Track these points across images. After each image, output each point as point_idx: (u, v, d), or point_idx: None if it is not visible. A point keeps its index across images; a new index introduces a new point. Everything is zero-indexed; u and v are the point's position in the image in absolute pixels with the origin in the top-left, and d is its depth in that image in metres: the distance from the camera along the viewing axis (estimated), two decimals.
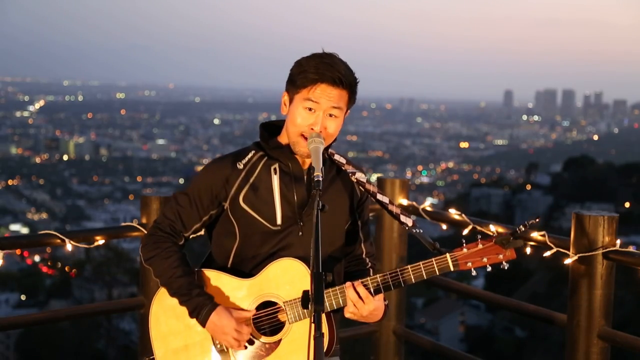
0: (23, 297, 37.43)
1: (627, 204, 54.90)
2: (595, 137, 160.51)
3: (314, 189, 2.39)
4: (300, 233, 2.65)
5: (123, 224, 3.98)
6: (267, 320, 2.63)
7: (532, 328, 28.63)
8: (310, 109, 2.59)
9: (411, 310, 34.22)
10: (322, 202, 2.36)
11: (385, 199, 2.73)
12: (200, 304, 2.59)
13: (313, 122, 2.58)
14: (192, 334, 2.68)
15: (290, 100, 2.64)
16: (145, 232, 3.84)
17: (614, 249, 3.39)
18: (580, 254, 3.44)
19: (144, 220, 3.93)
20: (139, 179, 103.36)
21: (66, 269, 38.80)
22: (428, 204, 4.61)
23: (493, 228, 3.79)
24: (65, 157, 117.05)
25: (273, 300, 2.62)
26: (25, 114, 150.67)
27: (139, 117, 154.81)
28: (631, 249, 3.42)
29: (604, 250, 3.39)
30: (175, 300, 2.66)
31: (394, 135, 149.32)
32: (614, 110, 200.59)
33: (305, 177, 2.69)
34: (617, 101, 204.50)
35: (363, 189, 2.76)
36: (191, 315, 2.61)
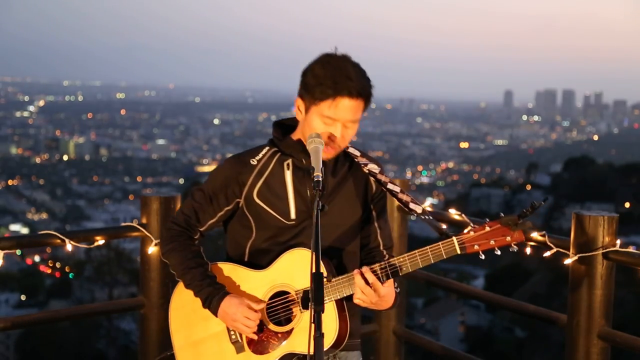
0: (23, 297, 37.41)
1: (627, 204, 54.88)
2: (595, 137, 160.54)
3: (313, 189, 2.40)
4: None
5: (123, 224, 3.99)
6: (281, 310, 2.66)
7: (532, 328, 28.60)
8: (328, 123, 2.61)
9: (411, 310, 34.22)
10: (332, 195, 2.38)
11: (397, 188, 2.72)
12: (211, 293, 2.64)
13: (332, 133, 2.60)
14: (209, 326, 2.72)
15: (306, 109, 2.64)
16: (145, 232, 3.88)
17: (614, 249, 3.39)
18: (580, 254, 3.44)
19: (144, 220, 3.92)
20: (139, 179, 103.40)
21: (66, 269, 38.78)
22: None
23: None
24: (65, 157, 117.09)
25: (285, 290, 2.65)
26: (25, 114, 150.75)
27: (139, 117, 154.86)
28: (631, 249, 3.42)
29: (604, 251, 3.39)
30: (192, 293, 2.71)
31: (394, 135, 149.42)
32: (614, 110, 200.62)
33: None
34: (617, 101, 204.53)
35: (374, 179, 2.76)
36: (204, 305, 2.67)
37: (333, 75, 2.54)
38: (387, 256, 2.81)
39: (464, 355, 4.47)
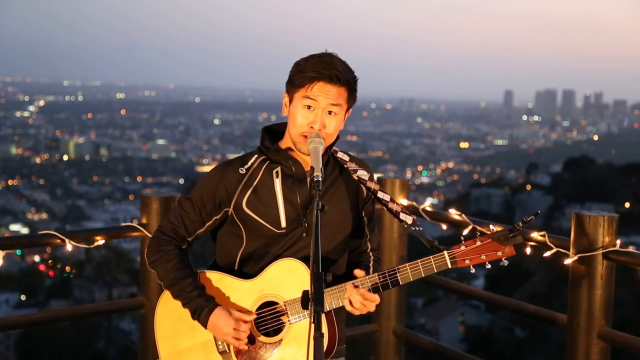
0: (23, 297, 37.41)
1: (627, 204, 54.89)
2: (595, 137, 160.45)
3: (313, 189, 2.40)
4: (305, 234, 2.66)
5: (123, 224, 3.99)
6: (269, 321, 2.65)
7: (532, 328, 28.63)
8: (309, 107, 2.60)
9: (411, 310, 34.24)
10: (324, 202, 2.37)
11: (387, 197, 2.73)
12: (200, 305, 2.62)
13: (312, 120, 2.59)
14: (196, 336, 2.70)
15: (290, 101, 2.65)
16: (145, 232, 3.87)
17: (614, 249, 3.39)
18: (580, 254, 3.44)
19: (144, 221, 3.93)
20: (139, 179, 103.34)
21: (66, 269, 38.75)
22: (428, 204, 4.61)
23: (493, 228, 3.78)
24: (65, 157, 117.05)
25: (274, 300, 2.63)
26: (25, 114, 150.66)
27: (139, 117, 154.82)
28: (631, 249, 3.42)
29: (604, 251, 3.39)
30: (179, 302, 2.68)
31: (394, 135, 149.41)
32: (614, 110, 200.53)
33: (307, 178, 2.68)
34: (617, 101, 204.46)
35: (364, 187, 2.76)
36: (192, 316, 2.64)
37: (314, 63, 2.58)
38: (372, 258, 2.82)
39: (464, 355, 4.47)
